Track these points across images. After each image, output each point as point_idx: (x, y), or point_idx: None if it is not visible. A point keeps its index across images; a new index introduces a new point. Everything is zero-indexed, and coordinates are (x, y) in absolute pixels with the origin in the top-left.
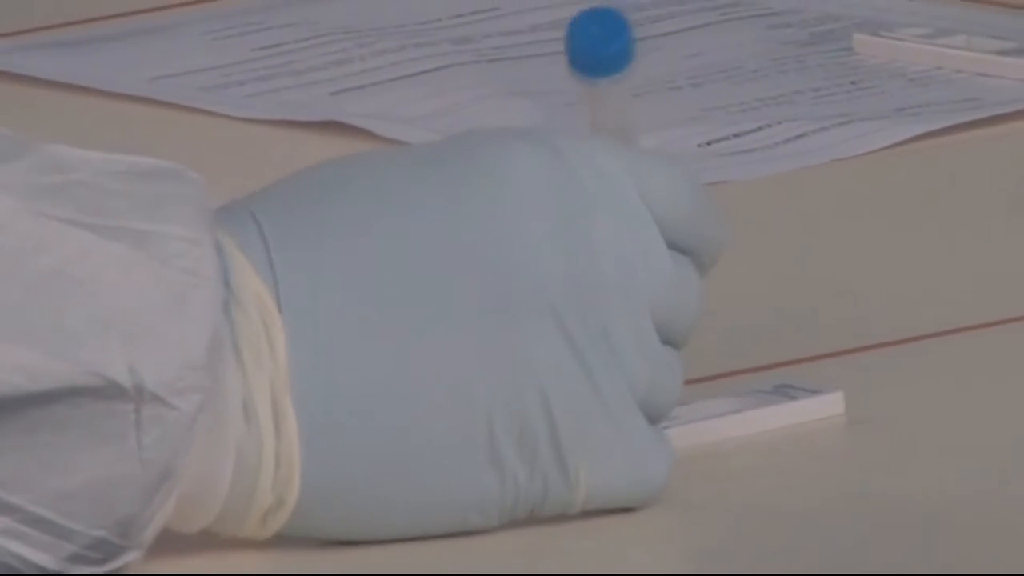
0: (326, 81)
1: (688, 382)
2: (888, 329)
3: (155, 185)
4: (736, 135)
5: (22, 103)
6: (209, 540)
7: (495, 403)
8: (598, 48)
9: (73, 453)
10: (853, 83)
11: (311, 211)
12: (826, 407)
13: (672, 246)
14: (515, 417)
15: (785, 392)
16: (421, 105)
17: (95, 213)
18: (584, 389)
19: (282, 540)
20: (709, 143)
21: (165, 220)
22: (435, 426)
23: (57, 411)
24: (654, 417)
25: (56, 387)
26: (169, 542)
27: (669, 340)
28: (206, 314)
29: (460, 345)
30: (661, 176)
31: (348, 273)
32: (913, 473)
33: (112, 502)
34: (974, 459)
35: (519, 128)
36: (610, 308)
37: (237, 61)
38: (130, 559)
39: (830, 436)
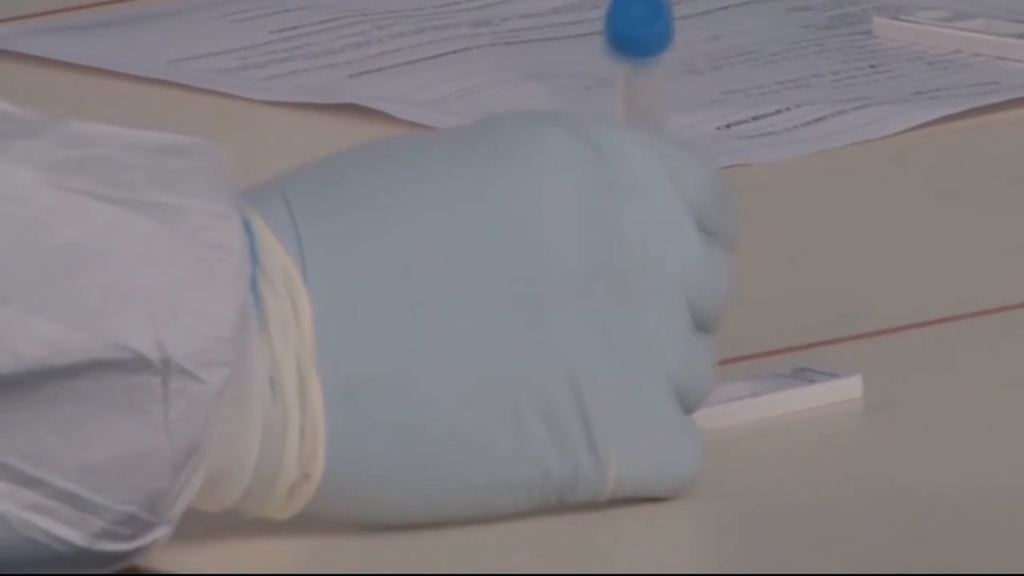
0: (344, 64)
1: None
2: (907, 313)
3: (179, 160)
4: (755, 118)
5: (41, 86)
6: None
7: (523, 382)
8: (639, 29)
9: (96, 426)
10: (872, 66)
11: (340, 190)
12: (844, 391)
13: (700, 229)
14: (544, 398)
15: (803, 376)
16: (439, 88)
17: (118, 186)
18: (614, 373)
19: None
20: (728, 126)
21: (189, 194)
22: (462, 403)
23: (79, 385)
24: (688, 404)
25: (79, 360)
26: (186, 537)
27: (701, 325)
28: (233, 287)
29: (487, 324)
30: (688, 161)
31: (376, 251)
32: (931, 458)
33: (140, 477)
34: (992, 443)
35: (549, 112)
36: (642, 293)
37: (255, 44)
38: (159, 536)
39: (848, 420)
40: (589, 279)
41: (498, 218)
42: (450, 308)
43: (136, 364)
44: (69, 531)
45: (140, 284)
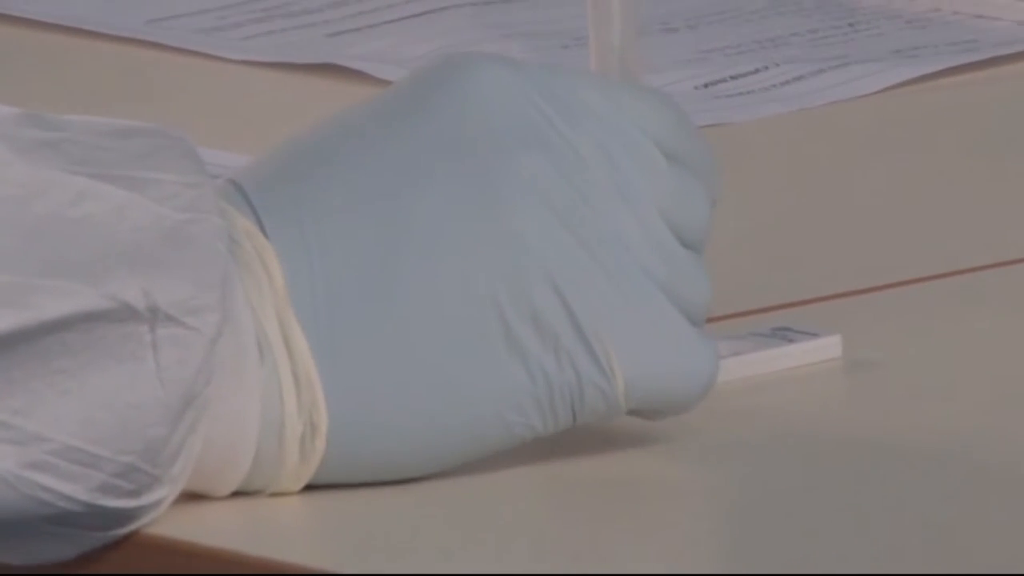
0: (322, 23)
1: None
2: (886, 271)
3: (142, 141)
4: (733, 77)
5: (18, 45)
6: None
7: (500, 291)
8: None
9: (89, 377)
10: (850, 25)
11: (282, 161)
12: (824, 350)
13: (668, 156)
14: (525, 302)
15: (783, 335)
16: (418, 47)
17: (86, 164)
18: (592, 270)
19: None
20: (706, 85)
21: (156, 168)
22: (443, 321)
23: (70, 337)
24: (689, 316)
25: (69, 313)
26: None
27: (684, 245)
28: (212, 243)
29: (453, 240)
30: (643, 96)
31: (326, 199)
32: (911, 415)
33: (137, 425)
34: (972, 400)
35: (482, 52)
36: (609, 206)
37: (234, 3)
38: (163, 496)
39: (828, 379)
40: (551, 192)
41: (442, 147)
42: (413, 229)
43: (124, 313)
44: (71, 486)
45: (120, 244)
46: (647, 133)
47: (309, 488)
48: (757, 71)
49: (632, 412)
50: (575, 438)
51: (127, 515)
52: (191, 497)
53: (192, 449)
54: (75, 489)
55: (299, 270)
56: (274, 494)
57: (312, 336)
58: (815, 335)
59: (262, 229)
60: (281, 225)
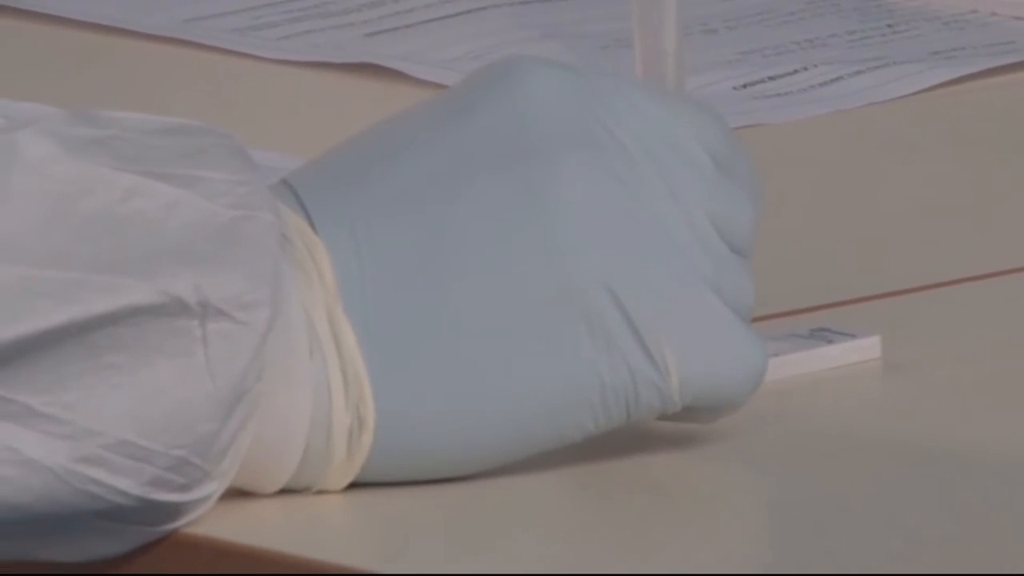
0: (359, 23)
1: None
2: (925, 273)
3: (190, 139)
4: (772, 78)
5: (54, 44)
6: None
7: (551, 291)
8: None
9: (141, 372)
10: (889, 26)
11: (334, 163)
12: (863, 351)
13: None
14: (577, 303)
15: (822, 336)
16: (454, 47)
17: (134, 161)
18: (645, 271)
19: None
20: (745, 86)
21: (205, 166)
22: (492, 321)
23: (120, 332)
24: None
25: (120, 307)
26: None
27: (730, 248)
28: (264, 239)
29: (503, 240)
30: (691, 107)
31: (377, 200)
32: (950, 417)
33: (188, 419)
34: (1011, 402)
35: (535, 56)
36: (659, 205)
37: (270, 3)
38: (212, 490)
39: (867, 380)
40: (592, 176)
41: (491, 147)
42: (462, 229)
43: (174, 308)
44: (123, 480)
45: (170, 239)
46: (697, 140)
47: (353, 487)
48: (796, 72)
49: (684, 414)
50: (612, 440)
51: (177, 509)
52: (236, 495)
53: (242, 444)
54: (127, 483)
55: (349, 268)
56: (319, 492)
57: (361, 333)
58: (853, 336)
59: (313, 227)
60: (331, 224)
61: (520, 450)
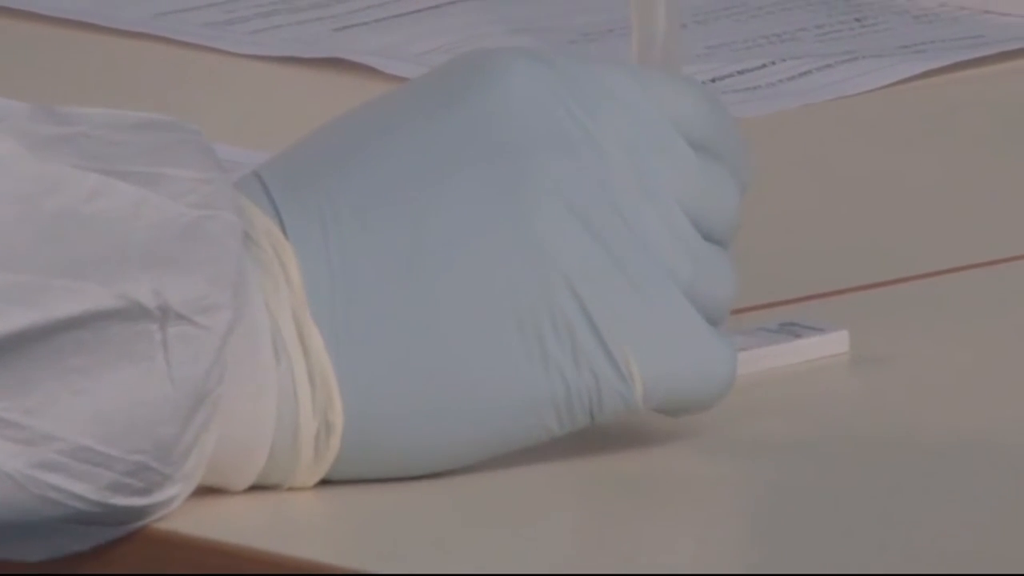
0: (329, 18)
1: None
2: (893, 267)
3: (157, 135)
4: (741, 72)
5: (25, 40)
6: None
7: (520, 293)
8: None
9: (102, 376)
10: (857, 20)
11: (306, 156)
12: (832, 345)
13: (697, 147)
14: (544, 307)
15: (791, 330)
16: (425, 42)
17: (98, 159)
18: (613, 274)
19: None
20: (714, 80)
21: (170, 164)
22: (461, 322)
23: (82, 336)
24: (712, 313)
25: (82, 311)
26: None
27: (710, 238)
28: (226, 240)
29: (474, 241)
30: (677, 86)
31: (348, 196)
32: (917, 411)
33: (148, 424)
34: (978, 396)
35: (511, 47)
36: (633, 206)
37: None
38: (174, 494)
39: (835, 374)
40: (570, 188)
41: (467, 142)
42: (434, 230)
43: (135, 312)
44: (81, 485)
45: (134, 241)
46: (676, 123)
47: (325, 483)
48: (764, 66)
49: (654, 410)
50: (590, 435)
51: (137, 513)
52: (207, 491)
53: (205, 447)
54: (85, 488)
55: (318, 269)
56: (289, 489)
57: (329, 335)
58: (822, 330)
59: (282, 227)
60: (301, 223)
61: (484, 452)
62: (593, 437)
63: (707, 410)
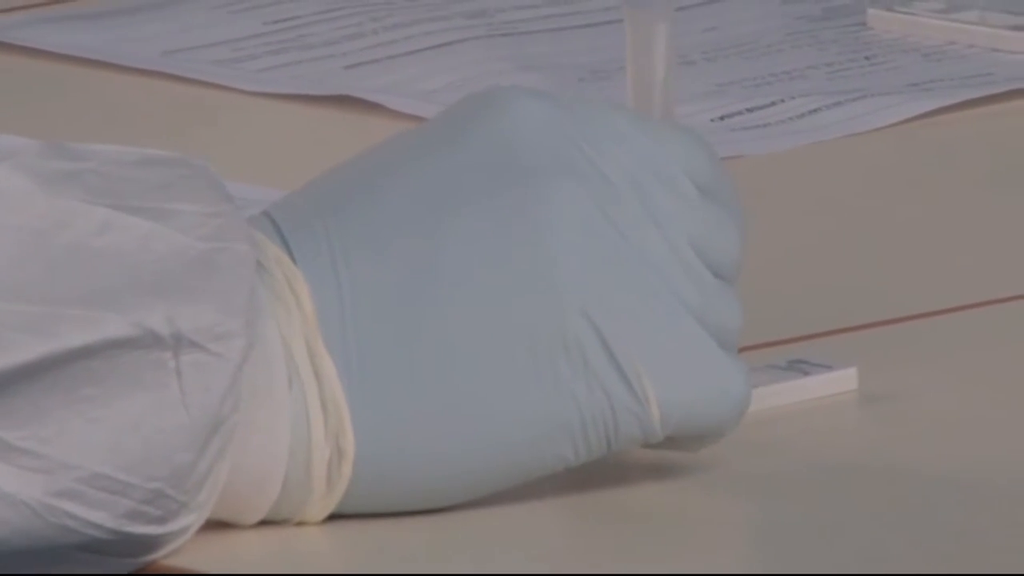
0: (339, 55)
1: None
2: (902, 305)
3: (165, 171)
4: (750, 110)
5: (35, 77)
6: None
7: (532, 320)
8: None
9: (116, 404)
10: (867, 58)
11: (315, 194)
12: (840, 383)
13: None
14: (557, 332)
15: (799, 368)
16: (433, 79)
17: (107, 195)
18: (626, 299)
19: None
20: (723, 118)
21: (178, 199)
22: (473, 350)
23: (96, 365)
24: (721, 341)
25: (94, 341)
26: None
27: (715, 275)
28: (239, 270)
29: (485, 269)
30: (675, 133)
31: (358, 229)
32: (925, 448)
33: (164, 452)
34: (987, 433)
35: (519, 86)
36: (642, 234)
37: (250, 35)
38: (189, 522)
39: (844, 412)
40: (580, 214)
41: (471, 162)
42: (445, 259)
43: (148, 340)
44: (98, 514)
45: (145, 272)
46: (681, 166)
47: (335, 518)
48: (774, 104)
49: (668, 443)
50: (594, 468)
51: (153, 542)
52: (215, 526)
53: (219, 475)
54: (102, 516)
55: (329, 297)
56: (300, 523)
57: (341, 363)
58: (830, 368)
59: (292, 258)
60: (311, 254)
61: (499, 482)
62: (600, 471)
63: (723, 437)
